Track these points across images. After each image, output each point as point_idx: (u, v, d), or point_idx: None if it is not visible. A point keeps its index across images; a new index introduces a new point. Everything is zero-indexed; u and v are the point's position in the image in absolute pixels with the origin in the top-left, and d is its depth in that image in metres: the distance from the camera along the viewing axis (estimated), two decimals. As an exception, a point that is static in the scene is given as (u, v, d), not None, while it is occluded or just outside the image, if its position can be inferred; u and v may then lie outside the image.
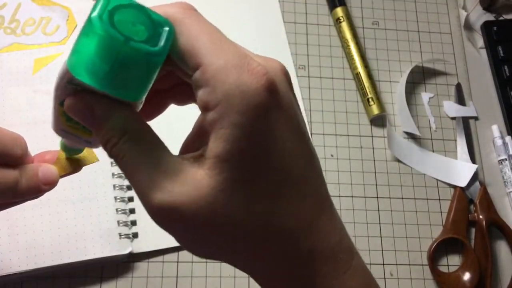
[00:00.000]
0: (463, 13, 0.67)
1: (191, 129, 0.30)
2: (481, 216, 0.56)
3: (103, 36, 0.23)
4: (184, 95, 0.30)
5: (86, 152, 0.34)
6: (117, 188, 0.51)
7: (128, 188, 0.52)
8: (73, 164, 0.34)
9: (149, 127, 0.26)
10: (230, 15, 0.62)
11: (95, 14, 0.23)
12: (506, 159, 0.60)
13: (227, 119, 0.24)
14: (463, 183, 0.58)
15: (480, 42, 0.68)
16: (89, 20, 0.23)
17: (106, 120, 0.25)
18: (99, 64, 0.24)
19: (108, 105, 0.25)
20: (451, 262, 0.56)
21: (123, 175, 0.52)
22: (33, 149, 0.50)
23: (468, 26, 0.68)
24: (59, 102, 0.26)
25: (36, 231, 0.48)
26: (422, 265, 0.55)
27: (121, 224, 0.50)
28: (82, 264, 0.48)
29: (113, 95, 0.25)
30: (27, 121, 0.52)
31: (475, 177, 0.59)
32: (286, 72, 0.27)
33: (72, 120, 0.27)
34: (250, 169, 0.25)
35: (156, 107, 0.30)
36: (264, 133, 0.25)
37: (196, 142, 0.28)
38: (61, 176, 0.34)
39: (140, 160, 0.25)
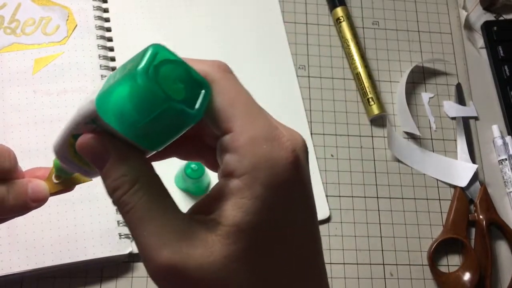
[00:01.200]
0: (463, 13, 0.67)
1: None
2: (481, 216, 0.56)
3: (145, 90, 0.22)
4: (191, 152, 0.30)
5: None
6: (117, 188, 0.51)
7: (128, 188, 0.52)
8: (66, 183, 0.33)
9: (158, 178, 0.26)
10: (230, 15, 0.62)
11: (141, 66, 0.22)
12: (506, 159, 0.60)
13: (251, 191, 0.24)
14: (463, 183, 0.58)
15: (480, 42, 0.68)
16: (134, 70, 0.22)
17: (120, 166, 0.24)
18: (132, 113, 0.23)
19: (124, 151, 0.25)
20: (451, 262, 0.56)
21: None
22: (33, 149, 0.51)
23: (468, 26, 0.68)
24: (72, 135, 0.26)
25: (36, 231, 0.48)
26: (422, 265, 0.55)
27: (121, 224, 0.50)
28: (82, 264, 0.48)
29: (134, 141, 0.24)
30: (27, 121, 0.52)
31: (475, 177, 0.59)
32: (306, 147, 0.27)
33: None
34: (265, 242, 0.24)
35: (158, 156, 0.29)
36: (285, 208, 0.25)
37: (211, 204, 0.27)
38: (52, 194, 0.33)
39: (149, 213, 0.24)
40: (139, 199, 0.24)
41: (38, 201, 0.32)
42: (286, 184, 0.24)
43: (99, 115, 0.23)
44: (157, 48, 0.23)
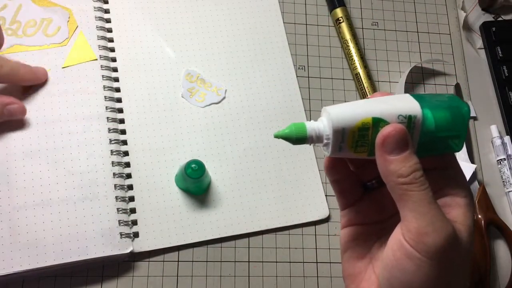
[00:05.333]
0: (462, 14, 0.67)
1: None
2: (480, 216, 0.57)
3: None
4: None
5: None
6: (118, 188, 0.51)
7: (129, 188, 0.53)
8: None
9: None
10: (230, 16, 0.63)
11: (466, 107, 0.33)
12: (504, 159, 0.60)
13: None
14: (462, 182, 0.58)
15: (479, 42, 0.68)
16: (466, 107, 0.33)
17: (414, 155, 0.31)
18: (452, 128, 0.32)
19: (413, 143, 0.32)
20: (450, 262, 0.56)
21: (123, 174, 0.52)
22: (34, 150, 0.51)
23: (467, 27, 0.69)
24: (367, 123, 0.31)
25: (37, 230, 0.48)
26: (421, 264, 0.56)
27: (122, 224, 0.50)
28: (83, 263, 0.48)
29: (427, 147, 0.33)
30: (28, 121, 0.52)
31: (474, 177, 0.59)
32: None
33: (358, 147, 0.32)
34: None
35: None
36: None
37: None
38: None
39: (432, 195, 0.31)
40: (427, 182, 0.31)
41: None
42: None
43: (423, 119, 0.31)
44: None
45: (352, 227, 0.37)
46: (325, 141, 0.32)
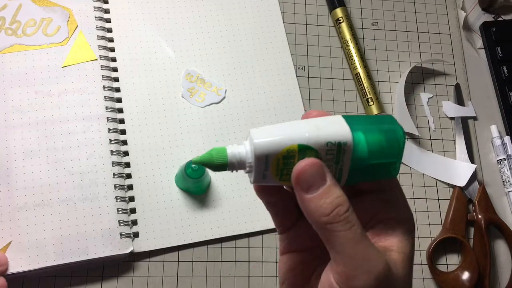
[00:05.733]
0: (462, 14, 0.67)
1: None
2: (480, 216, 0.57)
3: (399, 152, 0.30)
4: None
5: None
6: (118, 188, 0.51)
7: (129, 188, 0.53)
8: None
9: None
10: (230, 16, 0.63)
11: (401, 131, 0.30)
12: (504, 159, 0.60)
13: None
14: (462, 183, 0.58)
15: (479, 42, 0.68)
16: (400, 132, 0.30)
17: (336, 188, 0.28)
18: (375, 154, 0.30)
19: (334, 177, 0.28)
20: (450, 262, 0.56)
21: (124, 174, 0.52)
22: (34, 150, 0.51)
23: (467, 27, 0.69)
24: (292, 150, 0.28)
25: (38, 231, 0.48)
26: (422, 264, 0.56)
27: (122, 224, 0.50)
28: (84, 263, 0.48)
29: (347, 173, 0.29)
30: (28, 121, 0.52)
31: (474, 177, 0.59)
32: None
33: (283, 176, 0.29)
34: None
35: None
36: None
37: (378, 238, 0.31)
38: None
39: (363, 231, 0.28)
40: (355, 217, 0.27)
41: None
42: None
43: (354, 146, 0.28)
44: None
45: (291, 254, 0.34)
46: (247, 168, 0.29)
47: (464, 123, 0.62)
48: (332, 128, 0.28)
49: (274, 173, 0.29)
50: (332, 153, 0.28)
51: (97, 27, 0.58)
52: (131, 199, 0.52)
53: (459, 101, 0.63)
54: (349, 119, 0.29)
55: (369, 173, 0.30)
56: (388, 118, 0.31)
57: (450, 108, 0.63)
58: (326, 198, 0.27)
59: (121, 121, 0.55)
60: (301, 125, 0.29)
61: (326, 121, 0.29)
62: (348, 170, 0.29)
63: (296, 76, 0.61)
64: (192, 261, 0.52)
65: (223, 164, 0.29)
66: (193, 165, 0.50)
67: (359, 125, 0.29)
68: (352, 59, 0.62)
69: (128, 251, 0.50)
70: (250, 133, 0.29)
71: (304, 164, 0.27)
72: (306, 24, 0.65)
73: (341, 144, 0.28)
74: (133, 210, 0.52)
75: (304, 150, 0.28)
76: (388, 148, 0.29)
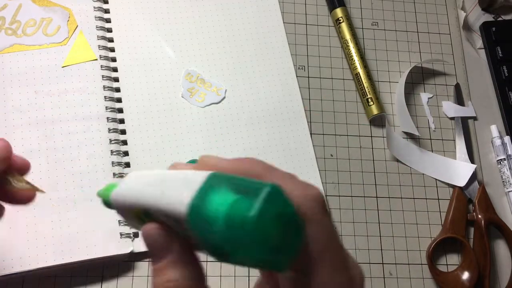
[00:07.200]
0: (462, 14, 0.67)
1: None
2: (480, 216, 0.57)
3: (254, 232, 0.21)
4: None
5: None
6: (118, 188, 0.51)
7: (129, 188, 0.53)
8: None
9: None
10: (230, 16, 0.63)
11: (258, 206, 0.21)
12: (504, 159, 0.60)
13: None
14: (462, 182, 0.58)
15: (479, 42, 0.68)
16: (251, 211, 0.21)
17: (178, 268, 0.24)
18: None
19: (187, 255, 0.24)
20: (450, 262, 0.56)
21: (124, 174, 0.52)
22: (34, 150, 0.51)
23: (467, 27, 0.69)
24: (143, 211, 0.25)
25: (38, 230, 0.48)
26: (421, 264, 0.56)
27: (122, 224, 0.50)
28: (84, 263, 0.48)
29: (209, 253, 0.22)
30: (28, 121, 0.52)
31: (474, 176, 0.59)
32: None
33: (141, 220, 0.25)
34: None
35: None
36: None
37: None
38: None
39: None
40: None
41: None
42: None
43: (189, 221, 0.22)
44: (275, 190, 0.21)
45: None
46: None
47: (464, 123, 0.62)
48: (178, 192, 0.23)
49: (138, 225, 0.26)
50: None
51: (97, 27, 0.58)
52: (131, 199, 0.52)
53: (459, 101, 0.64)
54: (211, 179, 0.22)
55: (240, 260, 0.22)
56: (260, 188, 0.21)
57: (450, 108, 0.63)
58: (162, 275, 0.23)
59: (121, 121, 0.55)
60: (155, 186, 0.24)
61: (179, 183, 0.23)
62: (202, 248, 0.23)
63: (296, 76, 0.61)
64: (192, 261, 0.52)
65: (107, 203, 0.27)
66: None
67: (213, 193, 0.22)
68: (352, 59, 0.62)
69: (128, 251, 0.50)
70: (121, 181, 0.26)
71: (148, 228, 0.24)
72: (306, 24, 0.65)
73: (177, 219, 0.22)
74: (133, 210, 0.52)
75: (148, 215, 0.24)
76: (230, 232, 0.21)
